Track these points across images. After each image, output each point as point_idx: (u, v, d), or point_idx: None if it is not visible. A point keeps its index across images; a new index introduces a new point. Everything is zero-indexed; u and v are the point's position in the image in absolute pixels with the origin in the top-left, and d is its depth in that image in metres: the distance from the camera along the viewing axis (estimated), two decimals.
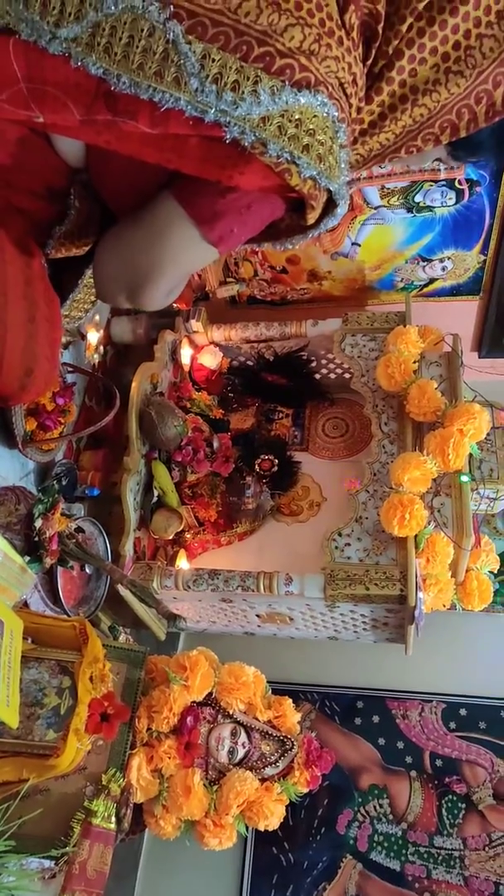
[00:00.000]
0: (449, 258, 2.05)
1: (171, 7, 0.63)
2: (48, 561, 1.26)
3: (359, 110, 0.76)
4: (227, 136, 0.67)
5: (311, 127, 0.69)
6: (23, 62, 0.66)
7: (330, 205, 0.80)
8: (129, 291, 0.85)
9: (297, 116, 0.68)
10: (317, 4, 0.67)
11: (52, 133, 0.82)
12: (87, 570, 1.52)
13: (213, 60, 0.64)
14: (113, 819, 1.21)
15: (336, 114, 0.71)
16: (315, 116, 0.69)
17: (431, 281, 2.14)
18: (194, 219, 0.77)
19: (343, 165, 0.76)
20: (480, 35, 0.73)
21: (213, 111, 0.65)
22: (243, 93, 0.65)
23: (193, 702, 1.38)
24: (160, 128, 0.68)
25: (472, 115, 0.77)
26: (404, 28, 0.73)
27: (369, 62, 0.74)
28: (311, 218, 0.80)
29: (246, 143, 0.67)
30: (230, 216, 0.77)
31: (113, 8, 0.63)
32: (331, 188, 0.75)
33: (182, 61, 0.64)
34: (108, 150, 0.74)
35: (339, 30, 0.70)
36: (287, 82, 0.66)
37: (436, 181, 1.83)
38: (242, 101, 0.65)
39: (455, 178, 1.81)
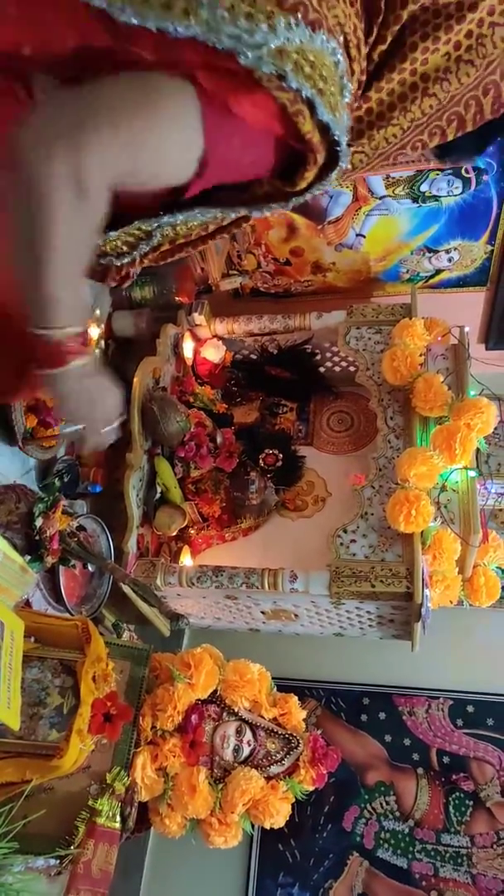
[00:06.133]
0: (455, 249, 2.02)
1: None
2: (49, 560, 1.24)
3: (363, 98, 0.72)
4: (242, 62, 0.60)
5: (323, 73, 0.64)
6: None
7: (324, 169, 0.73)
8: (70, 140, 0.61)
9: (311, 58, 0.62)
10: None
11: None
12: (90, 568, 1.50)
13: None
14: (118, 818, 1.20)
15: (344, 66, 0.66)
16: (325, 64, 0.64)
17: (437, 272, 2.11)
18: (204, 103, 0.64)
19: (346, 124, 0.70)
20: (493, 23, 0.69)
21: (229, 38, 0.58)
22: (258, 22, 0.58)
23: (198, 700, 1.37)
24: (165, 52, 0.60)
25: (479, 106, 0.73)
26: (419, 23, 0.69)
27: (372, 39, 0.70)
28: (308, 177, 0.72)
29: (262, 74, 0.60)
30: (227, 136, 0.66)
31: None
32: (341, 141, 0.69)
33: None
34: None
35: None
36: (301, 19, 0.60)
37: (442, 170, 1.79)
38: (258, 28, 0.58)
39: (462, 167, 1.78)
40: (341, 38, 0.66)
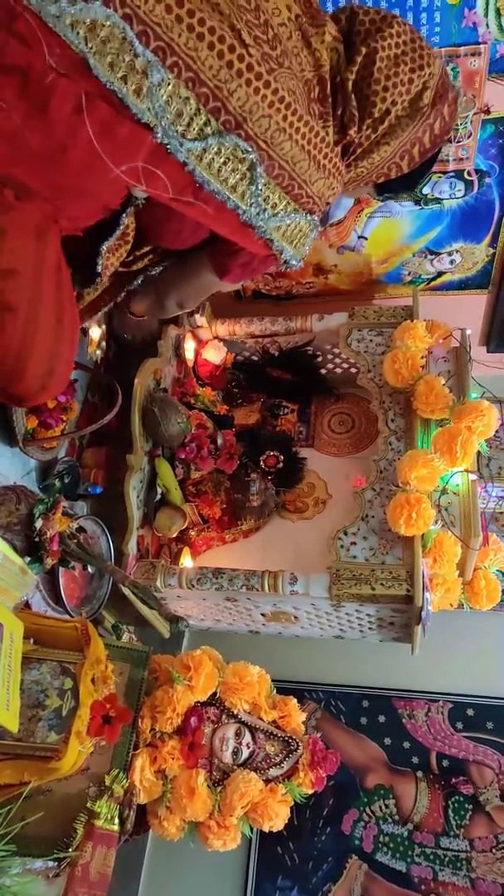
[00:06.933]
0: (457, 251, 2.01)
1: (261, 151, 0.92)
2: (49, 561, 1.24)
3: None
4: (256, 234, 1.02)
5: (300, 230, 1.06)
6: (147, 152, 0.87)
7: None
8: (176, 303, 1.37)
9: (298, 228, 1.05)
10: (338, 160, 1.03)
11: None
12: (90, 570, 1.50)
13: (268, 186, 0.96)
14: (116, 821, 1.20)
15: (317, 223, 1.07)
16: (304, 226, 1.06)
17: (439, 274, 2.11)
18: (222, 278, 1.20)
19: (309, 243, 1.11)
20: (398, 117, 1.03)
21: (255, 219, 0.99)
22: (277, 213, 1.00)
23: (197, 702, 1.36)
24: (219, 213, 0.97)
25: (399, 168, 1.10)
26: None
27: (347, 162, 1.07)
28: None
29: (263, 238, 1.03)
30: (245, 271, 1.18)
31: (228, 142, 0.89)
32: (293, 263, 1.12)
33: (252, 186, 0.95)
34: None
35: (342, 167, 1.05)
36: (301, 209, 1.02)
37: (444, 172, 1.79)
38: (274, 216, 1.00)
39: (464, 169, 1.78)
40: (325, 206, 1.05)
